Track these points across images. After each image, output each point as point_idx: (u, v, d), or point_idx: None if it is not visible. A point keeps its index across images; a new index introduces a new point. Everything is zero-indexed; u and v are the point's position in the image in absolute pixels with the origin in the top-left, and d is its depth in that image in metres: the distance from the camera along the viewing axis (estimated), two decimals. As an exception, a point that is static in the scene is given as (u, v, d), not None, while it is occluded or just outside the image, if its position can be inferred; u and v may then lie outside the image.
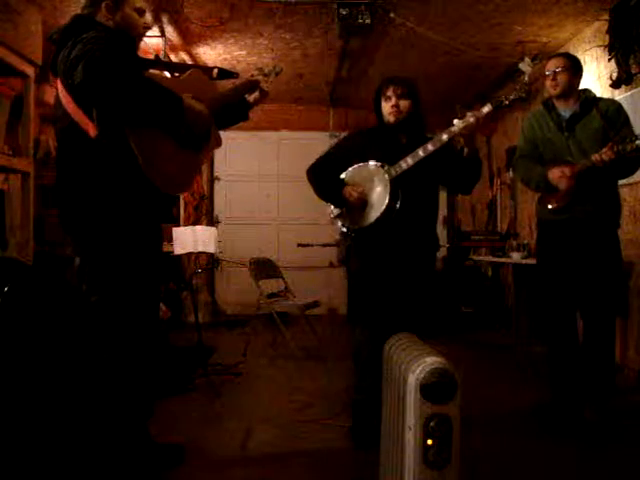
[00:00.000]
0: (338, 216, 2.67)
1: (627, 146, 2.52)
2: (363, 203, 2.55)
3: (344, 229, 2.66)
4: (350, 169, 2.64)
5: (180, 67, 2.67)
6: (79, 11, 2.03)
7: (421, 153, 2.44)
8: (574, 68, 2.80)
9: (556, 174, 2.70)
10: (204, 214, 6.68)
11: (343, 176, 2.65)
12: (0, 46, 3.00)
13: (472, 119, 2.37)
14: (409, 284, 2.60)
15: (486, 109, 2.40)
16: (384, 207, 2.48)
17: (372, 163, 2.56)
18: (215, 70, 2.36)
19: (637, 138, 2.52)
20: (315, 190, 2.71)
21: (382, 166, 2.53)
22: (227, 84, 2.45)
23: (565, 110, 2.80)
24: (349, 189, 2.55)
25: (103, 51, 1.75)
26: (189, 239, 3.98)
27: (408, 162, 2.46)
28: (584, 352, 2.72)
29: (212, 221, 6.74)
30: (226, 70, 2.40)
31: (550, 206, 2.80)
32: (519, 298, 4.73)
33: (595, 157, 2.57)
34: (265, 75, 2.39)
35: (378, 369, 2.09)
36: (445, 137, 2.41)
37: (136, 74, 1.84)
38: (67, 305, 2.04)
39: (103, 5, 1.99)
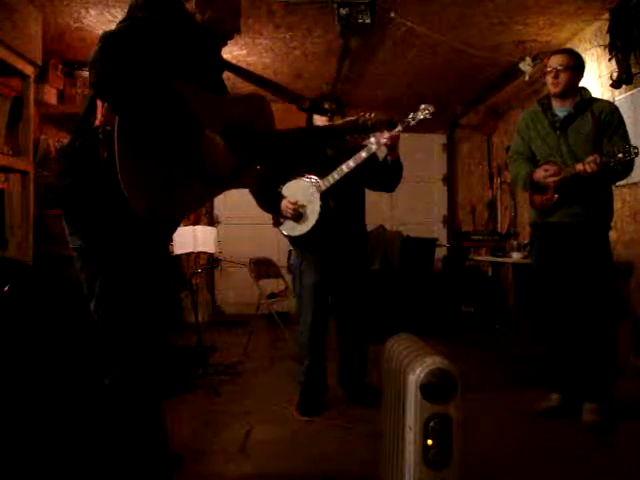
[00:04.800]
0: (277, 224, 3.00)
1: (611, 159, 2.51)
2: (298, 215, 2.89)
3: (284, 234, 3.01)
4: (287, 184, 2.94)
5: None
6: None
7: (345, 169, 2.80)
8: (577, 67, 2.77)
9: (540, 173, 2.73)
10: (204, 214, 6.67)
11: (281, 190, 2.95)
12: (0, 46, 3.00)
13: (385, 139, 2.73)
14: (345, 278, 2.99)
15: (397, 129, 2.72)
16: (315, 219, 2.85)
17: (305, 179, 2.90)
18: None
19: (622, 150, 2.50)
20: (257, 203, 3.06)
21: (314, 181, 2.87)
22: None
23: (561, 109, 2.78)
24: (286, 204, 2.88)
25: (120, 53, 1.48)
26: (189, 239, 3.99)
27: (335, 177, 2.83)
28: (582, 354, 2.71)
29: (212, 221, 6.74)
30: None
31: (536, 204, 2.79)
32: (519, 298, 4.73)
33: (579, 167, 2.58)
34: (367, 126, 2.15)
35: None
36: (364, 155, 2.77)
37: (155, 82, 1.53)
38: (67, 305, 2.05)
39: None
